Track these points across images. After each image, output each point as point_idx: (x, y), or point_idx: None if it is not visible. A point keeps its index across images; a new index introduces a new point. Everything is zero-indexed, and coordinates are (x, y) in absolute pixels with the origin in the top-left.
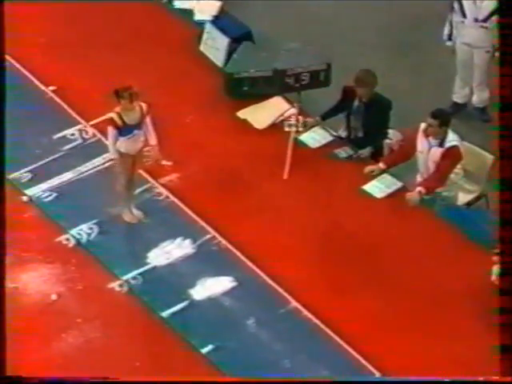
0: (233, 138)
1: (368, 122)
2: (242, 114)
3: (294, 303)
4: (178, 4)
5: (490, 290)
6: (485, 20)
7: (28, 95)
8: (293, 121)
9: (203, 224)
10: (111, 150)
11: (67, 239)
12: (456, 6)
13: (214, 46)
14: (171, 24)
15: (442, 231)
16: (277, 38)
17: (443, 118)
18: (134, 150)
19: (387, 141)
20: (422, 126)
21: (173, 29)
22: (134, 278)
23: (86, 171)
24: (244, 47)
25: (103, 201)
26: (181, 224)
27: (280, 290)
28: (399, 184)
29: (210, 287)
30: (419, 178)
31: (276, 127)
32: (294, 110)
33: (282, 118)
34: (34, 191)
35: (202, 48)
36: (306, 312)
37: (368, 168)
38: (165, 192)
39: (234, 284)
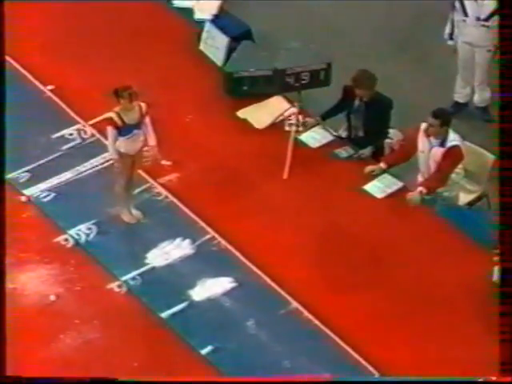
0: (232, 137)
1: (368, 122)
2: (241, 113)
3: (295, 304)
4: (177, 3)
5: (491, 290)
6: (486, 19)
7: (26, 94)
8: (293, 120)
9: (203, 224)
10: (111, 150)
11: (66, 239)
12: (457, 4)
13: (214, 45)
14: (171, 23)
15: (443, 231)
16: (277, 37)
17: (444, 118)
18: (133, 149)
19: (388, 140)
20: (423, 125)
21: (172, 28)
22: (132, 278)
23: (85, 171)
24: (244, 46)
25: (102, 201)
26: (180, 224)
27: (280, 290)
28: (400, 184)
29: (210, 288)
30: (420, 178)
31: (276, 127)
32: (294, 110)
33: (282, 117)
34: (32, 191)
35: (201, 47)
36: (306, 313)
37: (369, 168)
38: (164, 192)
39: (233, 285)
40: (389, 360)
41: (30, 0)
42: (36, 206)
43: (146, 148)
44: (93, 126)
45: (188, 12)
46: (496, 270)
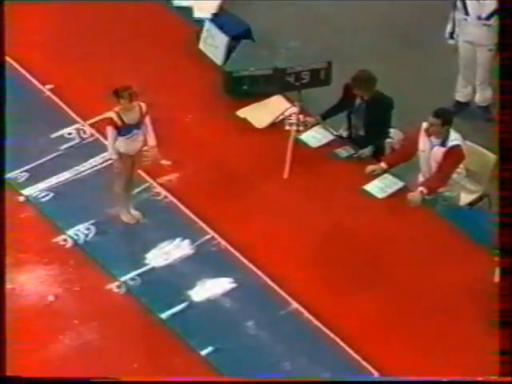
0: (232, 137)
1: (369, 121)
2: (241, 112)
3: (295, 305)
4: (176, 2)
5: (493, 290)
6: (488, 18)
7: (25, 94)
8: (293, 120)
9: (202, 224)
10: (110, 150)
11: (64, 240)
12: (459, 3)
13: (214, 44)
14: (170, 22)
15: (444, 232)
16: (277, 36)
17: (445, 117)
18: (133, 149)
19: (389, 140)
20: (424, 125)
21: (172, 27)
22: (132, 279)
23: (84, 171)
24: (244, 45)
25: (101, 201)
26: (180, 224)
27: (280, 291)
28: (400, 184)
29: (210, 288)
30: (421, 178)
31: (276, 126)
32: (294, 109)
33: (282, 117)
34: (30, 191)
35: (201, 46)
36: (306, 313)
37: (369, 167)
38: (163, 192)
39: (233, 285)
40: (389, 360)
41: (29, 0)
42: (34, 206)
43: (145, 147)
44: (92, 125)
45: (188, 11)
46: (498, 270)
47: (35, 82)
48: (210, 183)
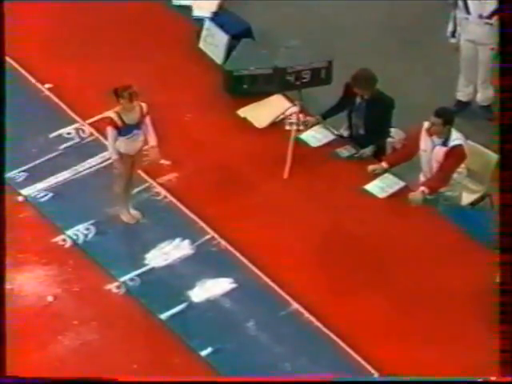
0: (232, 136)
1: (369, 120)
2: (241, 112)
3: (295, 305)
4: (176, 1)
5: (495, 290)
6: (489, 16)
7: (24, 93)
8: (293, 119)
9: (202, 224)
10: (111, 151)
11: (63, 240)
12: (460, 2)
13: (214, 43)
14: (170, 21)
15: (446, 232)
16: (277, 34)
17: (447, 117)
18: (133, 150)
19: (390, 139)
20: (426, 124)
21: (171, 26)
22: (131, 279)
23: (83, 171)
24: (244, 44)
25: (100, 201)
26: (179, 224)
27: (280, 291)
28: (402, 184)
29: (210, 289)
30: (422, 178)
31: (276, 126)
32: (294, 109)
33: (282, 116)
34: (29, 191)
35: (201, 45)
36: (307, 314)
37: (370, 167)
38: (163, 192)
39: (233, 285)
40: (389, 361)
41: (29, 0)
42: (33, 206)
43: (146, 147)
44: (91, 125)
45: (187, 10)
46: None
47: (34, 81)
48: (209, 183)
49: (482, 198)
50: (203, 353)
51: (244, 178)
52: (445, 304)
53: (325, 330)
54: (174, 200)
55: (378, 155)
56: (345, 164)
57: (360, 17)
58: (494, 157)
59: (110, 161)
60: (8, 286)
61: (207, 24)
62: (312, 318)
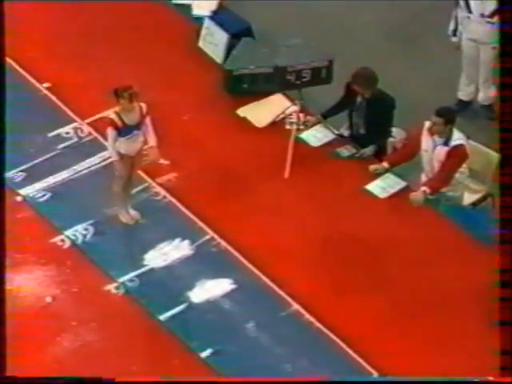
0: (232, 136)
1: (370, 119)
2: (241, 111)
3: (295, 306)
4: (175, 0)
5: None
6: (491, 15)
7: (22, 92)
8: (294, 119)
9: (202, 225)
10: (111, 152)
11: (62, 240)
12: (461, 1)
13: (213, 42)
14: (169, 20)
15: (447, 232)
16: (277, 33)
17: (448, 116)
18: (133, 150)
19: (391, 139)
20: (427, 124)
21: (171, 24)
22: (130, 280)
23: (82, 170)
24: (244, 43)
25: (99, 201)
26: (179, 225)
27: (281, 292)
28: (403, 184)
29: (209, 289)
30: (423, 178)
31: (277, 125)
32: (295, 108)
33: (282, 115)
34: (28, 191)
35: (200, 44)
36: (307, 315)
37: (371, 167)
38: (162, 192)
39: (233, 286)
40: (389, 361)
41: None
42: (32, 206)
43: (146, 147)
44: (90, 124)
45: (187, 8)
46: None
47: (32, 80)
48: (209, 183)
49: (483, 198)
50: (203, 354)
51: (244, 178)
52: (445, 304)
53: (325, 330)
54: (174, 200)
55: (378, 155)
56: (345, 164)
57: (361, 16)
58: (495, 156)
59: (108, 160)
60: (6, 287)
61: (207, 23)
62: (312, 319)
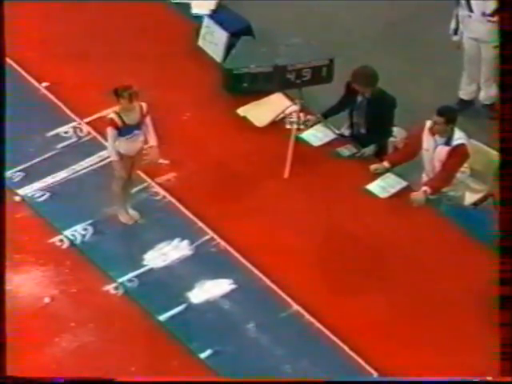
0: (232, 135)
1: (371, 119)
2: (241, 111)
3: (296, 307)
4: None
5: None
6: (492, 14)
7: (20, 91)
8: (294, 118)
9: (201, 225)
10: (111, 152)
11: (61, 240)
12: (462, 0)
13: (213, 40)
14: (168, 18)
15: (448, 232)
16: (277, 32)
17: (449, 116)
18: (133, 150)
19: (391, 139)
20: (428, 123)
21: (170, 23)
22: (129, 280)
23: (81, 170)
24: (243, 42)
25: (98, 201)
26: (178, 225)
27: (281, 292)
28: (404, 183)
29: (209, 290)
30: (424, 177)
31: (277, 125)
32: (295, 107)
33: (282, 115)
34: (26, 191)
35: (200, 43)
36: (307, 316)
37: (372, 166)
38: (162, 192)
39: (233, 287)
40: (390, 361)
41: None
42: (30, 206)
43: (146, 146)
44: (89, 123)
45: (186, 7)
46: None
47: (31, 79)
48: (209, 183)
49: (485, 198)
50: (202, 355)
51: (244, 178)
52: (446, 304)
53: (326, 331)
54: (173, 200)
55: (379, 154)
56: (346, 163)
57: (361, 15)
58: (497, 156)
59: (108, 160)
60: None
61: (206, 21)
62: (313, 320)
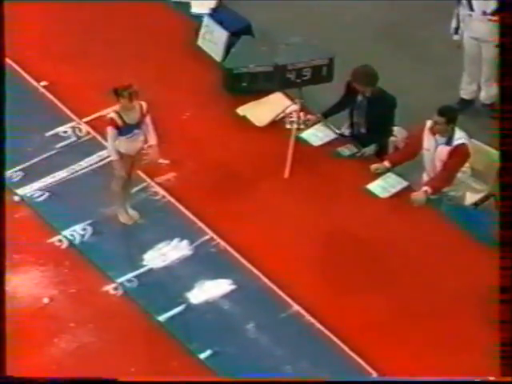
0: (232, 135)
1: (371, 118)
2: (241, 110)
3: (296, 307)
4: None
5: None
6: (493, 13)
7: (19, 91)
8: (294, 118)
9: (201, 225)
10: (111, 151)
11: (60, 240)
12: None
13: (213, 40)
14: (168, 18)
15: (449, 232)
16: (277, 31)
17: (450, 115)
18: (133, 149)
19: (392, 138)
20: (428, 123)
21: (169, 23)
22: (129, 280)
23: (80, 170)
24: (243, 41)
25: (97, 201)
26: (178, 225)
27: (281, 293)
28: (404, 183)
29: (208, 290)
30: (425, 177)
31: (277, 124)
32: (295, 107)
33: (282, 114)
34: (25, 191)
35: (199, 42)
36: (307, 316)
37: (372, 166)
38: (161, 191)
39: (233, 287)
40: (390, 361)
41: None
42: (29, 205)
43: (146, 145)
44: (88, 123)
45: (186, 6)
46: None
47: (30, 79)
48: (208, 182)
49: (486, 198)
50: (202, 356)
51: (244, 178)
52: (446, 304)
53: (326, 331)
54: (173, 200)
55: (380, 154)
56: (346, 163)
57: (361, 14)
58: (498, 156)
59: (107, 160)
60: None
61: (206, 21)
62: (313, 320)
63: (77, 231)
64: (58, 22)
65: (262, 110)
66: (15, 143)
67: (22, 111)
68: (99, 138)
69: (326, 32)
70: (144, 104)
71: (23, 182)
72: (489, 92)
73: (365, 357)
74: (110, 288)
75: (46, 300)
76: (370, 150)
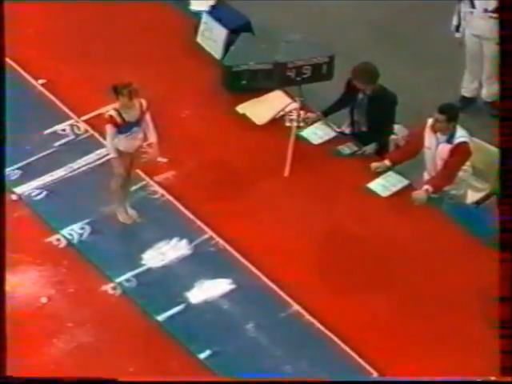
0: (231, 133)
1: (371, 116)
2: (241, 108)
3: (296, 307)
4: None
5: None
6: (494, 11)
7: (17, 89)
8: (294, 116)
9: (200, 224)
10: (110, 149)
11: (58, 239)
12: None
13: (212, 37)
14: (167, 15)
15: (450, 231)
16: (277, 29)
17: (451, 113)
18: (132, 147)
19: (393, 136)
20: (429, 121)
21: (168, 20)
22: (127, 280)
23: (78, 168)
24: (243, 39)
25: (96, 199)
26: (177, 224)
27: (281, 292)
28: (405, 182)
29: (208, 290)
30: (426, 176)
31: (276, 122)
32: (295, 105)
33: (282, 112)
34: (23, 189)
35: (198, 40)
36: (307, 316)
37: (373, 165)
38: (160, 190)
39: (232, 286)
40: (390, 361)
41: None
42: (27, 204)
43: (145, 143)
44: (86, 121)
45: (185, 4)
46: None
47: (28, 77)
48: (208, 181)
49: (487, 197)
50: (201, 355)
51: (243, 176)
52: (446, 304)
53: (326, 331)
54: (172, 199)
55: (380, 153)
56: (347, 162)
57: (362, 11)
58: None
59: (105, 158)
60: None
61: (205, 18)
62: (313, 320)
63: (75, 230)
64: (58, 21)
65: (261, 108)
66: (13, 141)
67: (20, 110)
68: (97, 136)
69: (327, 29)
70: (144, 102)
71: (21, 181)
72: (490, 90)
73: (365, 357)
74: (108, 287)
75: (44, 300)
76: (371, 148)
